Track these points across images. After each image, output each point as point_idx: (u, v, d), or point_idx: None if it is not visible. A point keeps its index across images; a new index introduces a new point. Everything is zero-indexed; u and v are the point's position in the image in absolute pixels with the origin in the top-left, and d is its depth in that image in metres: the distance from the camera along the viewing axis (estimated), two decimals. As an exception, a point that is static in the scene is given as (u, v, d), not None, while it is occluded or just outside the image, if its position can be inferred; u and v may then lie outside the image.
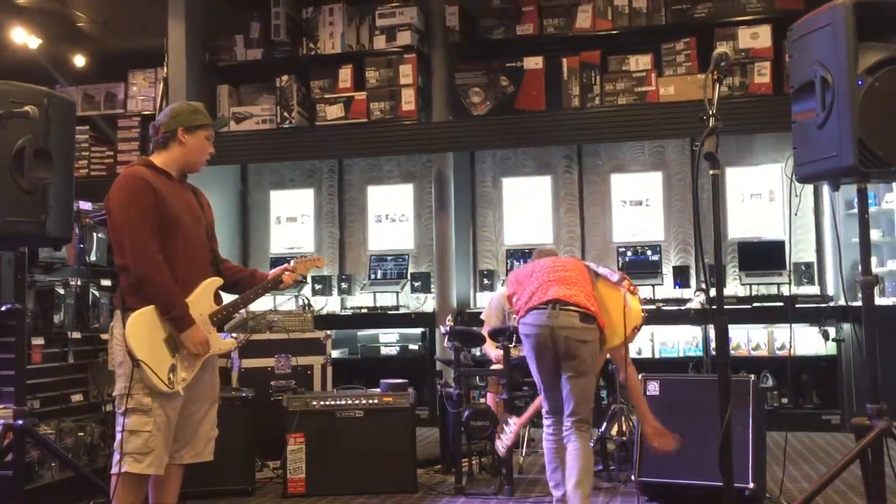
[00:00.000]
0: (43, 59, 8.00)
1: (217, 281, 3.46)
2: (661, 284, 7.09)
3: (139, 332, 3.18)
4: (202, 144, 3.47)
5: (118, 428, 3.19)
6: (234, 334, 5.59)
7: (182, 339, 3.25)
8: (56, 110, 3.80)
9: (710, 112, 2.80)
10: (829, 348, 6.62)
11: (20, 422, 3.80)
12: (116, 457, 3.17)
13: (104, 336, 4.66)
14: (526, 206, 7.74)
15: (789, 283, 6.77)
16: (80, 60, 8.30)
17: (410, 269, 7.72)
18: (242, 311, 6.94)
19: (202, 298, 3.37)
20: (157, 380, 3.14)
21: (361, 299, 7.77)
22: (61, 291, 4.69)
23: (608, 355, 4.08)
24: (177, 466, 3.38)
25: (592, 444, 4.97)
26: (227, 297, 3.56)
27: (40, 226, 3.68)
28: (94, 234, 4.97)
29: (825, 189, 5.61)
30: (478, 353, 6.27)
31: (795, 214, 6.97)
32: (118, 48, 8.16)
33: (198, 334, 3.27)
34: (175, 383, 3.21)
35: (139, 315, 3.20)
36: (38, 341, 4.60)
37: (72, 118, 4.06)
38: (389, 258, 7.77)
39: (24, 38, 7.70)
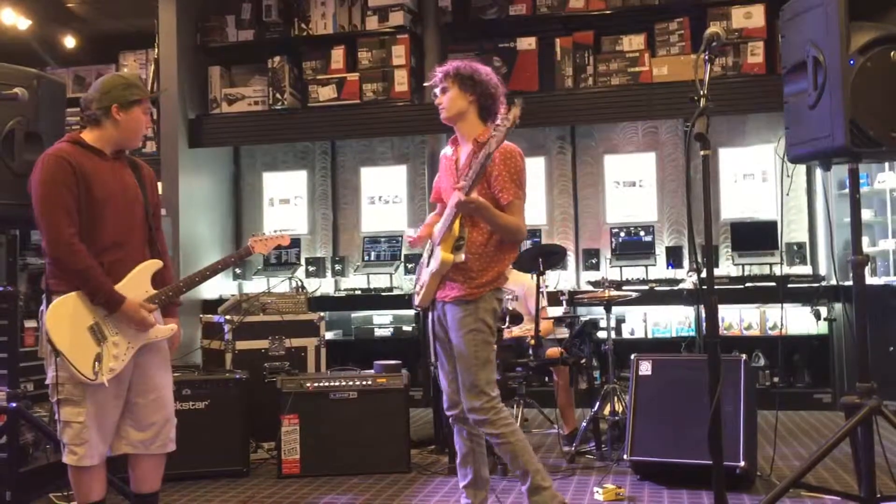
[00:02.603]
0: (33, 40, 7.94)
1: (155, 263, 3.28)
2: (654, 265, 7.11)
3: (60, 321, 3.05)
4: (138, 120, 3.24)
5: (56, 417, 3.11)
6: (228, 316, 5.59)
7: (119, 319, 3.10)
8: (46, 92, 3.78)
9: (701, 92, 2.79)
10: (821, 328, 6.66)
11: (14, 404, 3.80)
12: (62, 446, 3.11)
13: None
14: (519, 187, 7.71)
15: (781, 263, 6.79)
16: (70, 42, 8.26)
17: (404, 251, 7.72)
18: (237, 294, 6.92)
19: (136, 283, 3.20)
20: (77, 372, 3.03)
21: (355, 281, 7.77)
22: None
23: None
24: (155, 457, 3.26)
25: (585, 424, 5.03)
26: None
27: (31, 208, 3.66)
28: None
29: (818, 169, 5.62)
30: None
31: (787, 195, 6.99)
32: (109, 30, 8.11)
33: (134, 309, 3.11)
34: (101, 374, 3.07)
35: (60, 303, 3.07)
36: (31, 324, 4.59)
37: (62, 100, 4.03)
38: (383, 240, 7.77)
39: (13, 19, 7.64)
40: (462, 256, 3.33)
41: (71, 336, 3.07)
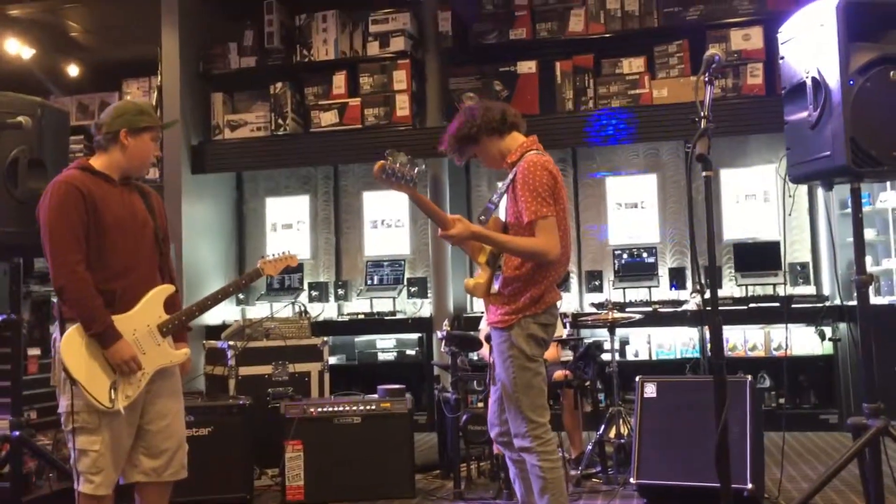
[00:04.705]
0: (36, 69, 8.00)
1: (167, 288, 3.27)
2: (657, 286, 7.10)
3: (75, 349, 3.03)
4: (146, 147, 3.23)
5: (70, 445, 3.08)
6: (231, 342, 5.58)
7: (107, 355, 3.05)
8: (49, 120, 3.81)
9: (702, 114, 2.80)
10: (826, 348, 6.63)
11: (17, 433, 3.79)
12: (75, 474, 3.08)
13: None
14: (521, 209, 7.72)
15: (785, 284, 6.78)
16: (73, 70, 8.31)
17: (407, 275, 7.72)
18: (239, 320, 6.92)
19: (149, 309, 3.19)
20: (94, 400, 3.01)
21: (358, 305, 7.77)
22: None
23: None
24: (162, 484, 3.24)
25: (591, 447, 5.00)
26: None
27: (35, 236, 3.66)
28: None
29: (819, 189, 5.62)
30: (475, 358, 6.28)
31: (790, 215, 6.98)
32: (112, 57, 8.17)
33: (123, 350, 3.06)
34: (117, 401, 3.05)
35: (75, 331, 3.05)
36: (35, 352, 4.59)
37: (65, 128, 4.06)
38: (386, 264, 7.77)
39: (17, 48, 7.70)
40: (495, 287, 3.29)
41: (87, 364, 3.05)
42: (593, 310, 6.74)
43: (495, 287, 3.30)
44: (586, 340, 5.47)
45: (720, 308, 2.89)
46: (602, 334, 6.47)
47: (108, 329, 3.06)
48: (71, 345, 3.05)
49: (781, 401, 6.70)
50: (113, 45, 8.00)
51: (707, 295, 2.87)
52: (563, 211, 3.29)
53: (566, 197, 3.36)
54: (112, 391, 3.06)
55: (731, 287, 7.09)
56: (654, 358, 7.06)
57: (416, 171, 3.05)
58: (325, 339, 5.86)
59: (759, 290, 6.93)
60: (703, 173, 2.82)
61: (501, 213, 3.42)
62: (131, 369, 3.09)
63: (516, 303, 3.24)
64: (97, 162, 3.22)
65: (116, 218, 3.15)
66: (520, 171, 3.24)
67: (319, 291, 7.79)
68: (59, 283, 3.04)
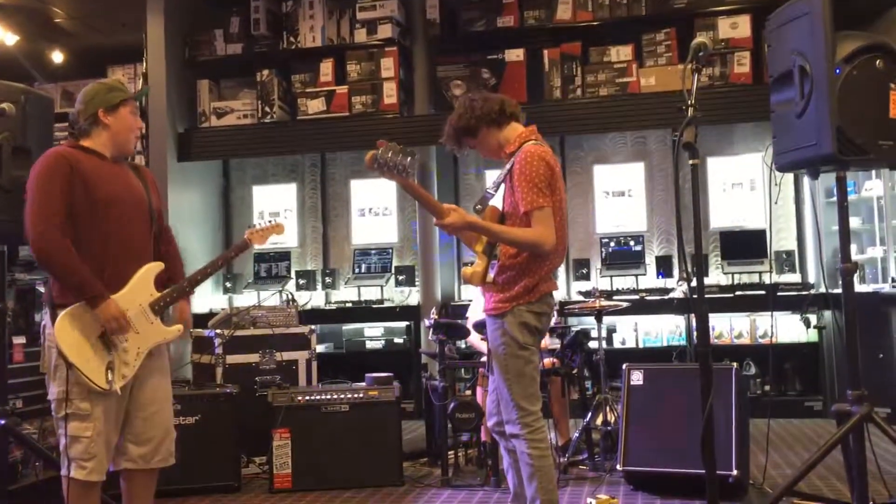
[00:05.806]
0: (20, 55, 7.92)
1: (156, 266, 3.24)
2: (644, 274, 7.13)
3: (70, 332, 3.01)
4: (127, 121, 3.21)
5: (60, 432, 3.06)
6: (218, 330, 5.57)
7: (96, 314, 3.02)
8: (34, 107, 3.77)
9: (689, 102, 2.80)
10: (811, 335, 6.68)
11: (2, 421, 3.77)
12: (65, 461, 3.06)
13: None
14: (509, 198, 7.73)
15: (770, 272, 6.82)
16: (58, 57, 8.24)
17: (394, 263, 7.72)
18: (228, 309, 6.90)
19: (140, 287, 3.17)
20: (91, 382, 3.00)
21: (346, 293, 7.76)
22: (42, 290, 4.66)
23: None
24: (149, 472, 3.23)
25: (577, 434, 5.03)
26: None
27: (20, 224, 3.63)
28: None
29: (805, 177, 5.65)
30: (463, 346, 6.29)
31: (776, 203, 7.02)
32: (97, 44, 8.10)
33: (111, 308, 3.03)
34: (114, 382, 3.05)
35: (68, 314, 3.02)
36: (20, 340, 4.57)
37: (50, 115, 4.03)
38: (373, 252, 7.76)
39: (0, 34, 7.62)
40: (490, 276, 3.29)
41: (81, 347, 3.03)
42: (580, 298, 6.76)
43: (491, 275, 3.30)
44: (573, 328, 5.48)
45: (706, 296, 2.91)
46: (589, 322, 6.49)
47: (100, 289, 3.02)
48: (64, 328, 3.03)
49: (767, 388, 6.74)
50: (98, 31, 7.92)
51: (693, 283, 2.88)
52: (560, 202, 3.29)
53: (563, 188, 3.36)
54: (109, 372, 3.05)
55: (717, 275, 7.13)
56: (640, 346, 7.10)
57: (408, 160, 3.05)
58: (313, 327, 5.86)
59: (745, 278, 6.96)
60: (690, 162, 2.83)
61: (498, 202, 3.43)
62: (121, 326, 3.06)
63: (510, 291, 3.24)
64: (85, 143, 3.19)
65: (109, 194, 3.12)
66: (517, 162, 3.24)
67: (307, 280, 7.78)
68: (37, 245, 2.99)
